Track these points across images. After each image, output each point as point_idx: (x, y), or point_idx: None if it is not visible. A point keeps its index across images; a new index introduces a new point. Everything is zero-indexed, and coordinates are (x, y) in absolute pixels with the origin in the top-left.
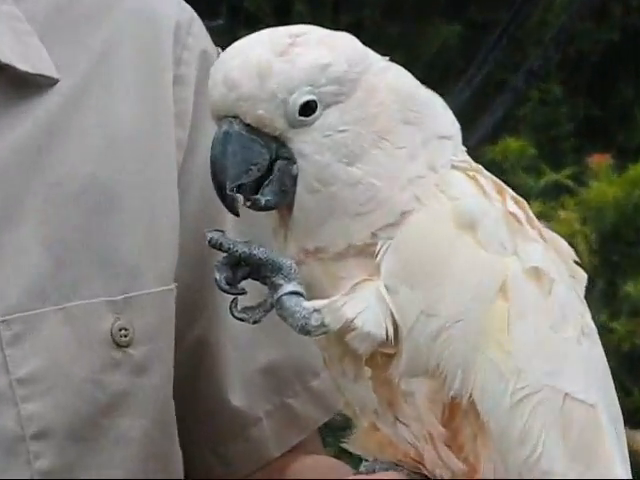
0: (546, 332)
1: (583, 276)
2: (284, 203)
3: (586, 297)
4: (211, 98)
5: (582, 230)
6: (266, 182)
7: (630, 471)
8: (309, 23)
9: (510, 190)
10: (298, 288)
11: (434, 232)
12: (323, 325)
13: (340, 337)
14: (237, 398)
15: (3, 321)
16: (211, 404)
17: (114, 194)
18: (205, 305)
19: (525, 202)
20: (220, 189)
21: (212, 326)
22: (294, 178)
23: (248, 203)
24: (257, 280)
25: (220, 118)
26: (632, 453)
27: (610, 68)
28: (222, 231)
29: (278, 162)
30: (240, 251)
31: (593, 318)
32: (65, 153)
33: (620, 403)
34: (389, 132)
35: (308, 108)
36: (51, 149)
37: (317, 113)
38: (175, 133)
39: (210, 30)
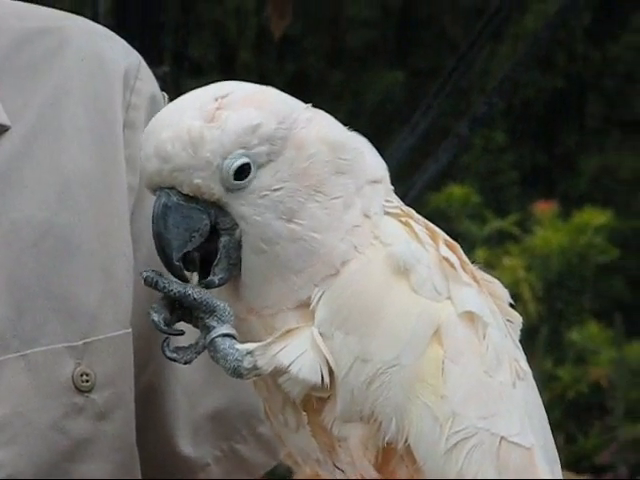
0: (481, 376)
1: (518, 319)
2: (234, 275)
3: (531, 344)
4: (146, 171)
5: (527, 277)
6: (215, 262)
7: None
8: (253, 72)
9: (443, 233)
10: (231, 330)
11: (368, 278)
12: (255, 368)
13: (279, 385)
14: (186, 445)
15: None
16: (160, 450)
17: (70, 239)
18: (155, 351)
19: (458, 246)
20: (167, 262)
21: (162, 372)
22: (239, 247)
23: (202, 284)
24: (190, 322)
25: (156, 189)
26: None
27: (554, 116)
28: (159, 272)
29: (222, 239)
30: (175, 291)
31: (538, 365)
32: (19, 199)
33: (565, 450)
34: (323, 184)
35: (242, 172)
36: (5, 195)
37: (251, 175)
38: (127, 178)
39: (157, 76)
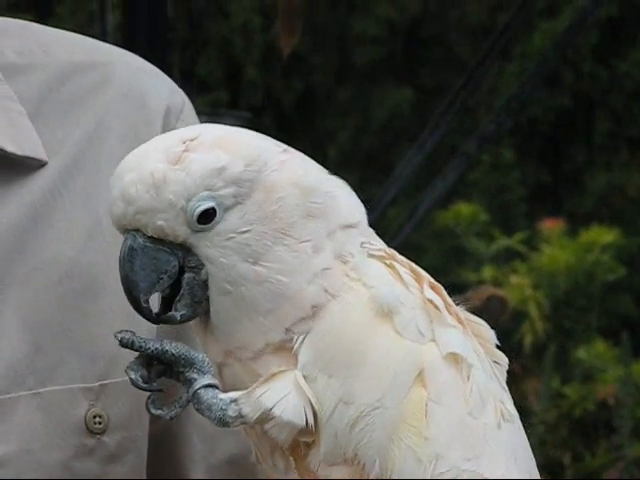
0: (464, 417)
1: (505, 360)
2: (200, 312)
3: (538, 362)
4: (112, 214)
5: (534, 295)
6: (177, 297)
7: None
8: (260, 88)
9: (427, 275)
10: (213, 380)
11: (351, 320)
12: (241, 416)
13: (266, 432)
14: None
15: None
16: None
17: (95, 279)
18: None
19: (442, 287)
20: (135, 304)
21: (178, 416)
22: (205, 286)
23: (163, 319)
24: (171, 377)
25: (124, 231)
26: None
27: (561, 134)
28: (132, 332)
29: (185, 275)
30: (152, 348)
31: (545, 383)
32: (49, 237)
33: (572, 468)
34: (291, 227)
35: (208, 215)
36: (35, 233)
37: (217, 217)
38: None
39: None
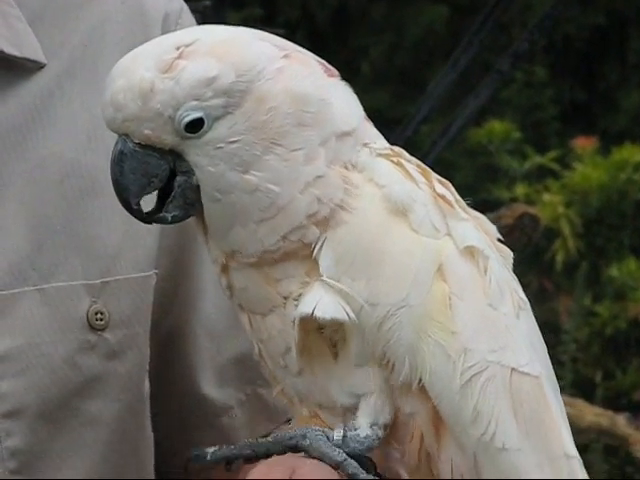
0: (486, 309)
1: (509, 254)
2: (192, 214)
3: (570, 280)
4: (103, 117)
5: (566, 214)
6: (169, 199)
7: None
8: (295, 4)
9: (433, 172)
10: (316, 433)
11: (367, 221)
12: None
13: (286, 332)
14: (209, 387)
15: None
16: (183, 393)
17: (96, 180)
18: (181, 294)
19: (449, 183)
20: (126, 206)
21: (187, 315)
22: (197, 189)
23: (154, 219)
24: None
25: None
26: (607, 432)
27: (595, 52)
28: (203, 449)
29: (177, 178)
30: (245, 453)
31: (577, 301)
32: (49, 137)
33: (603, 386)
34: (282, 137)
35: (196, 124)
36: (35, 132)
37: (206, 127)
38: None
39: (197, 11)
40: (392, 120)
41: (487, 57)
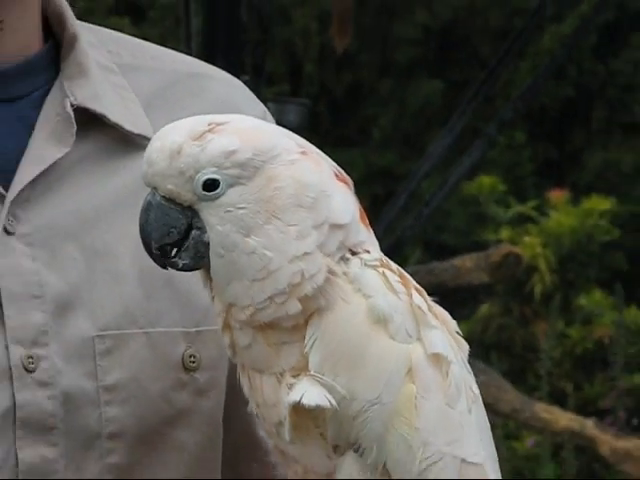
0: (445, 408)
1: (465, 346)
2: (201, 265)
3: (546, 308)
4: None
5: (543, 253)
6: (183, 248)
7: None
8: (315, 82)
9: (412, 280)
10: None
11: (352, 328)
12: None
13: (279, 409)
14: (263, 432)
15: (99, 336)
16: (242, 431)
17: None
18: None
19: (424, 290)
20: (147, 248)
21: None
22: (207, 245)
23: (168, 264)
24: None
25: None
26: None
27: (565, 119)
28: None
29: (193, 232)
30: None
31: (552, 326)
32: None
33: (574, 396)
34: (282, 212)
35: (212, 185)
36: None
37: (220, 191)
38: None
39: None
40: (398, 176)
41: (477, 124)
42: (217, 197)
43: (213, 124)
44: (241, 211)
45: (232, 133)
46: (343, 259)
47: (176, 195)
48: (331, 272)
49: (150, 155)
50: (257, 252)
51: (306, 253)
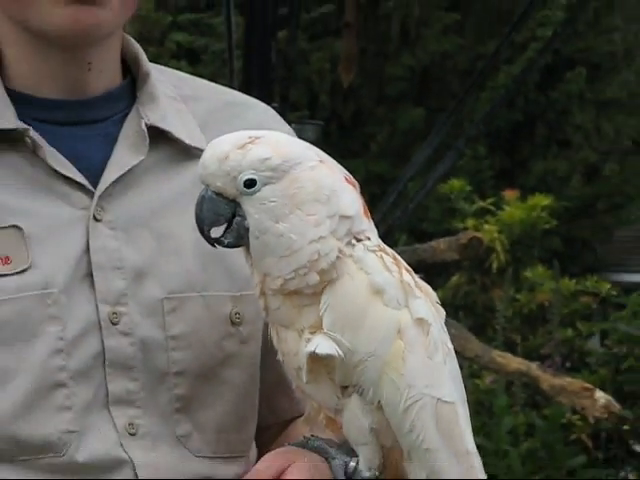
0: (425, 360)
1: (443, 312)
2: (242, 244)
3: (501, 279)
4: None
5: (499, 237)
6: (228, 231)
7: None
8: (327, 109)
9: (403, 261)
10: (340, 461)
11: (356, 297)
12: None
13: (299, 357)
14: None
15: (166, 298)
16: (274, 371)
17: None
18: None
19: (412, 270)
20: (202, 232)
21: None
22: (247, 229)
23: (215, 241)
24: None
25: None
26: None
27: (515, 137)
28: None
29: (236, 218)
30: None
31: (505, 292)
32: None
33: (522, 345)
34: (303, 205)
35: (251, 184)
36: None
37: (257, 188)
38: None
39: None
40: (390, 180)
41: (449, 140)
42: (254, 193)
43: (253, 137)
44: (272, 204)
45: (267, 144)
46: (350, 244)
47: (223, 191)
48: (341, 252)
49: (204, 160)
50: (284, 235)
51: (321, 237)
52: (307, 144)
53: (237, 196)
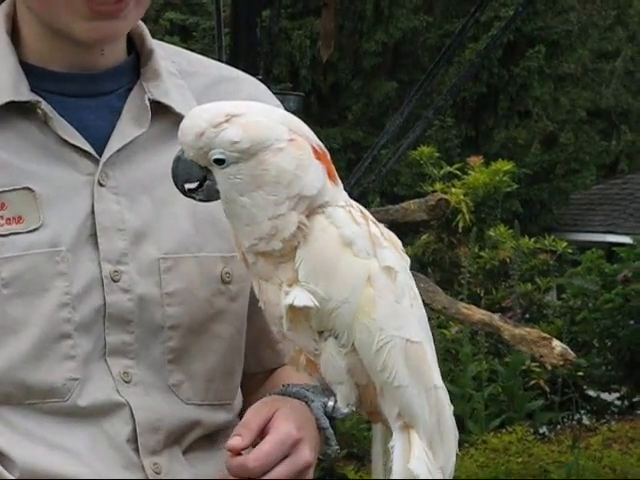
0: (394, 304)
1: (407, 259)
2: (213, 200)
3: (466, 238)
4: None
5: (465, 200)
6: (200, 189)
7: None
8: (308, 81)
9: (370, 215)
10: (320, 402)
11: (328, 249)
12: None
13: (279, 307)
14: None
15: (162, 258)
16: (258, 325)
17: None
18: None
19: (379, 222)
20: (175, 184)
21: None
22: (217, 191)
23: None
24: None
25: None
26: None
27: (480, 108)
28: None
29: (207, 182)
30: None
31: (470, 250)
32: None
33: (485, 299)
34: (265, 185)
35: (220, 161)
36: None
37: (225, 165)
38: None
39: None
40: (365, 146)
41: (419, 110)
42: (223, 168)
43: (229, 115)
44: (237, 179)
45: (240, 126)
46: (313, 214)
47: (196, 160)
48: (302, 223)
49: (183, 128)
50: (246, 207)
51: (280, 214)
52: (287, 118)
53: (208, 165)
